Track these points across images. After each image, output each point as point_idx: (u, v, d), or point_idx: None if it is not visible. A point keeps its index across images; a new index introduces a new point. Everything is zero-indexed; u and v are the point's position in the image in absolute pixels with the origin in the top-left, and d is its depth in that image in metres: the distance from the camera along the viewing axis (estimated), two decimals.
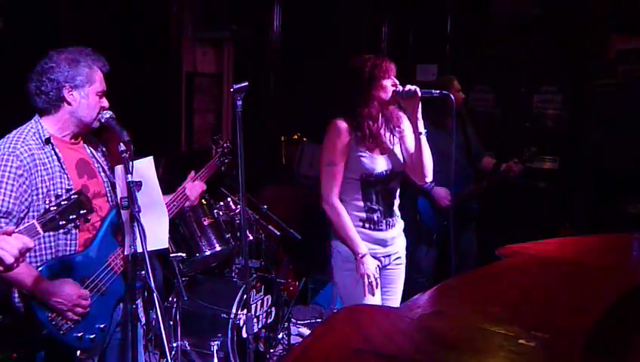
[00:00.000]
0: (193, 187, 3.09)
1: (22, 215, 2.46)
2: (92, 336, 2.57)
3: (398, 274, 3.39)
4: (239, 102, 2.87)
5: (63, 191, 2.54)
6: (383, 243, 3.27)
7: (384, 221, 3.26)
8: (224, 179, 4.53)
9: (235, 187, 4.40)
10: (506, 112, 6.33)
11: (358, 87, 3.17)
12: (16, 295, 2.47)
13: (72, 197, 2.18)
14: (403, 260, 3.42)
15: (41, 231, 2.12)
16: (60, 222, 2.15)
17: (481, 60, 6.32)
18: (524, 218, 5.84)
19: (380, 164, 3.21)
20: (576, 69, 5.86)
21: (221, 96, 6.36)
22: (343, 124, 3.18)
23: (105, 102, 2.67)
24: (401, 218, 3.42)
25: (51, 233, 2.45)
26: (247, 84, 2.88)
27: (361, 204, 3.23)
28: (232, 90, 2.89)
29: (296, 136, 6.61)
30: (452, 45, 6.54)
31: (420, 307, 2.28)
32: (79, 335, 2.52)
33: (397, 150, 3.29)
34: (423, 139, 3.20)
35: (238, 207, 4.31)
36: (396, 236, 3.35)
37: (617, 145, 5.57)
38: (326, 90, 5.39)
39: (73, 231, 2.55)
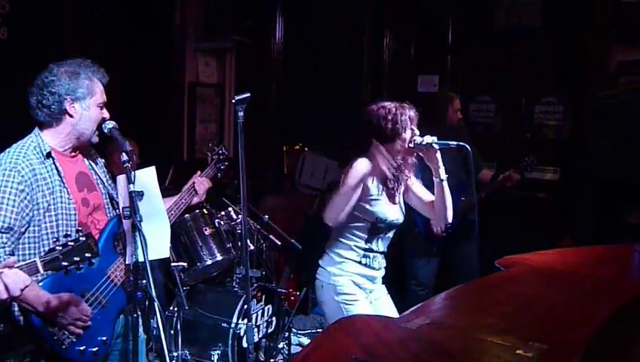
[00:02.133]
0: (201, 182, 3.17)
1: (22, 230, 2.46)
2: (94, 349, 2.56)
3: (385, 306, 3.43)
4: (241, 113, 2.89)
5: (64, 205, 2.55)
6: (372, 279, 3.36)
7: (377, 260, 3.34)
8: (225, 188, 4.55)
9: (236, 196, 4.43)
10: (506, 123, 6.34)
11: (379, 139, 3.18)
12: (16, 308, 2.46)
13: (80, 239, 2.18)
14: (383, 292, 3.47)
15: (41, 269, 2.13)
16: (63, 263, 2.15)
17: (482, 71, 6.34)
18: (524, 229, 5.83)
19: (393, 212, 3.28)
20: (577, 80, 5.87)
21: (223, 106, 6.38)
22: (366, 164, 3.14)
23: (106, 113, 2.68)
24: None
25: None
26: (249, 95, 2.89)
27: (363, 243, 3.29)
28: (234, 100, 2.91)
29: (297, 147, 6.63)
30: (453, 56, 6.56)
31: (418, 317, 2.29)
32: (81, 348, 2.52)
33: (401, 200, 3.36)
34: (445, 185, 3.22)
35: (239, 216, 4.33)
36: (380, 276, 3.42)
37: (618, 156, 5.57)
38: (331, 101, 5.42)
39: None
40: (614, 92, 5.75)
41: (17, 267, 2.08)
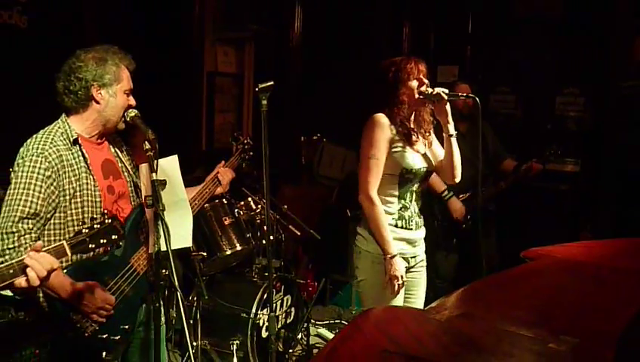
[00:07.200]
0: (225, 173, 3.13)
1: (49, 216, 2.46)
2: (117, 337, 2.56)
3: (422, 278, 3.41)
4: (264, 102, 2.86)
5: (90, 192, 2.54)
6: (412, 242, 3.29)
7: (414, 221, 3.27)
8: (245, 178, 4.53)
9: (256, 186, 4.41)
10: (527, 114, 6.29)
11: (385, 90, 3.19)
12: (41, 294, 2.46)
13: (106, 221, 2.18)
14: (425, 263, 3.43)
15: (69, 253, 2.12)
16: (90, 246, 2.15)
17: (502, 61, 6.29)
18: (545, 221, 5.79)
19: (418, 160, 3.23)
20: (599, 70, 5.81)
21: (242, 96, 6.36)
22: (384, 118, 3.18)
23: (132, 100, 2.67)
24: None
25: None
26: (272, 83, 2.87)
27: (396, 201, 3.23)
28: (257, 89, 2.88)
29: (315, 137, 6.60)
30: (473, 46, 6.51)
31: (447, 309, 2.25)
32: (104, 336, 2.51)
33: (428, 152, 3.32)
34: (454, 140, 3.23)
35: (259, 206, 4.31)
36: (422, 238, 3.36)
37: None
38: (350, 91, 5.39)
39: None
40: (637, 82, 5.69)
41: (45, 250, 2.06)
